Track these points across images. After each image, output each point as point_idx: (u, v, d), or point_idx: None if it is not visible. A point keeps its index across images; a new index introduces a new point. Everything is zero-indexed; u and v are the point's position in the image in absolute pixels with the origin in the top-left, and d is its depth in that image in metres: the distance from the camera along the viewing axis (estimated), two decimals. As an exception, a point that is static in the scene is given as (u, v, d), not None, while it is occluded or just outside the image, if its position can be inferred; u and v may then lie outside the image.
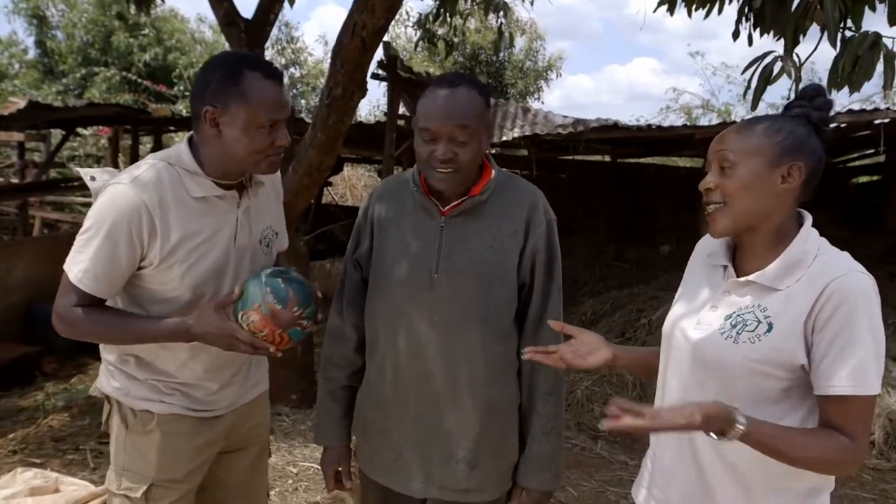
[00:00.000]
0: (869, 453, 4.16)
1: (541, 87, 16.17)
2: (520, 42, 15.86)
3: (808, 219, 1.22)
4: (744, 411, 1.14)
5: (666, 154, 7.97)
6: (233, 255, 1.51)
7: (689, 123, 10.97)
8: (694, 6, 2.71)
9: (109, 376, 1.55)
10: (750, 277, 1.21)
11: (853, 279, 1.12)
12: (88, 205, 9.44)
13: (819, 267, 1.15)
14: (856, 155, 7.27)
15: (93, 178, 1.49)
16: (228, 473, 1.71)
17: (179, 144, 1.49)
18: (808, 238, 1.19)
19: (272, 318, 1.37)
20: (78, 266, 1.38)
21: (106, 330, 1.43)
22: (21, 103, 4.70)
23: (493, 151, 9.17)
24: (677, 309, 1.34)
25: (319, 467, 3.32)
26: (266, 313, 1.37)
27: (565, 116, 4.86)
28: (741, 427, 1.07)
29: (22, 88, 12.67)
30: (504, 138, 4.69)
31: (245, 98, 1.36)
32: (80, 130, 8.67)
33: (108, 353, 1.56)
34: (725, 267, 1.27)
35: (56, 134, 8.16)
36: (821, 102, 1.22)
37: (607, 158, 8.10)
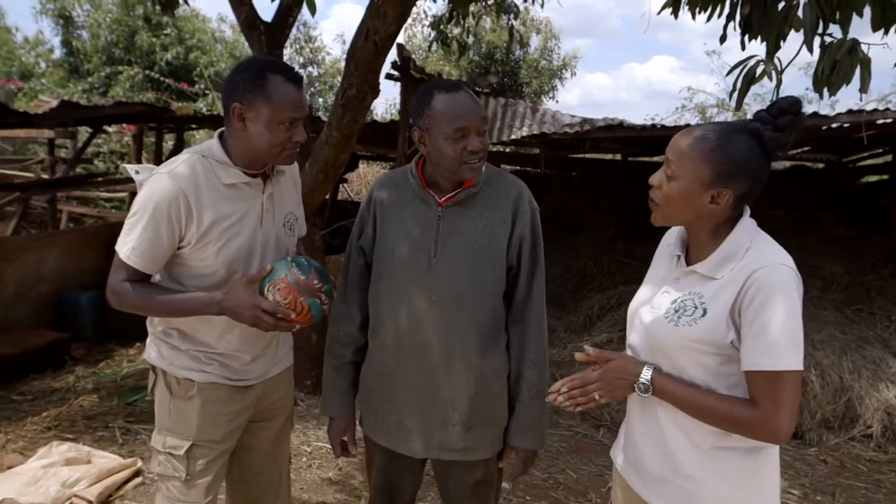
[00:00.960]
0: (867, 446, 4.27)
1: (555, 86, 16.27)
2: (535, 41, 15.96)
3: (746, 212, 1.37)
4: (697, 383, 1.33)
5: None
6: (260, 234, 1.69)
7: (701, 122, 10.98)
8: (697, 9, 2.85)
9: (156, 348, 1.74)
10: (693, 267, 1.37)
11: (772, 271, 1.26)
12: (111, 200, 9.76)
13: (748, 259, 1.30)
14: (865, 154, 7.32)
15: (137, 172, 1.69)
16: (257, 441, 1.89)
17: (211, 140, 1.68)
18: (742, 233, 1.34)
19: (296, 287, 1.55)
20: (126, 245, 1.58)
21: (149, 303, 1.61)
22: (53, 102, 4.94)
23: (508, 150, 9.32)
24: (640, 293, 1.52)
25: (330, 447, 3.51)
26: (291, 282, 1.55)
27: (573, 116, 5.00)
28: (645, 380, 1.35)
29: (49, 87, 13.04)
30: (513, 136, 4.84)
31: (269, 98, 1.55)
32: (104, 128, 8.95)
33: (154, 327, 1.75)
34: (679, 256, 1.43)
35: (82, 131, 8.47)
36: (783, 122, 1.30)
37: (618, 157, 8.22)
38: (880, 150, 6.97)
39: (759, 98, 15.46)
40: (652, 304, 1.44)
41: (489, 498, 1.81)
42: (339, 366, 1.80)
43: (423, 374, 1.66)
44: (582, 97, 40.19)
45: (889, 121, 4.68)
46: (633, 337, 1.48)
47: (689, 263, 1.41)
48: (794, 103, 1.31)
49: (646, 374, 1.36)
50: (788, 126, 1.30)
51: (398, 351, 1.67)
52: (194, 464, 1.70)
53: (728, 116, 13.21)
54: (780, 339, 1.23)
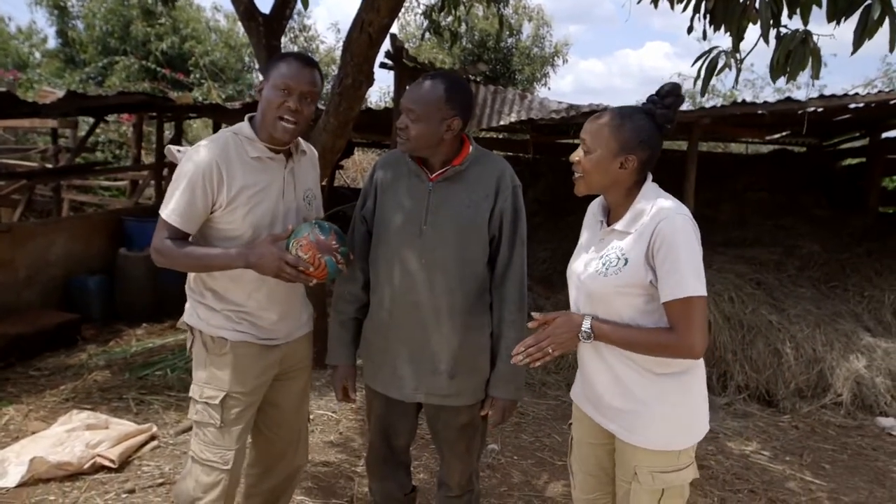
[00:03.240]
0: (837, 413, 4.54)
1: (547, 73, 16.40)
2: (527, 28, 16.08)
3: (649, 177, 1.67)
4: (629, 322, 1.62)
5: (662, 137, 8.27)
6: (282, 204, 1.93)
7: (693, 108, 11.15)
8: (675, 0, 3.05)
9: (193, 311, 1.97)
10: (613, 227, 1.67)
11: (672, 220, 1.56)
12: (109, 188, 9.92)
13: (653, 213, 1.60)
14: (845, 138, 7.55)
15: (179, 151, 1.94)
16: (282, 398, 2.12)
17: (242, 122, 1.94)
18: (647, 193, 1.64)
19: (316, 245, 1.77)
20: (168, 207, 1.83)
21: (187, 258, 1.84)
22: (59, 92, 5.13)
23: (500, 136, 9.51)
24: (574, 257, 1.80)
25: (332, 414, 3.77)
26: (312, 240, 1.78)
27: (560, 102, 5.21)
28: (587, 328, 1.59)
29: (46, 77, 13.13)
30: (502, 122, 5.05)
31: (274, 68, 1.86)
32: (104, 117, 9.11)
33: (192, 289, 1.98)
34: (602, 221, 1.72)
35: (81, 120, 8.63)
36: (669, 102, 1.64)
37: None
38: (857, 134, 7.20)
39: (750, 84, 15.71)
40: (585, 263, 1.72)
41: (474, 440, 2.05)
42: (344, 321, 2.04)
43: (415, 327, 1.90)
44: (575, 84, 40.37)
45: (861, 105, 4.89)
46: (573, 292, 1.76)
47: (608, 226, 1.70)
48: (676, 87, 1.64)
49: (586, 324, 1.62)
50: (673, 105, 1.64)
51: (393, 307, 1.91)
52: (228, 412, 1.93)
53: (718, 102, 13.40)
54: (685, 272, 1.52)
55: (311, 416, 3.74)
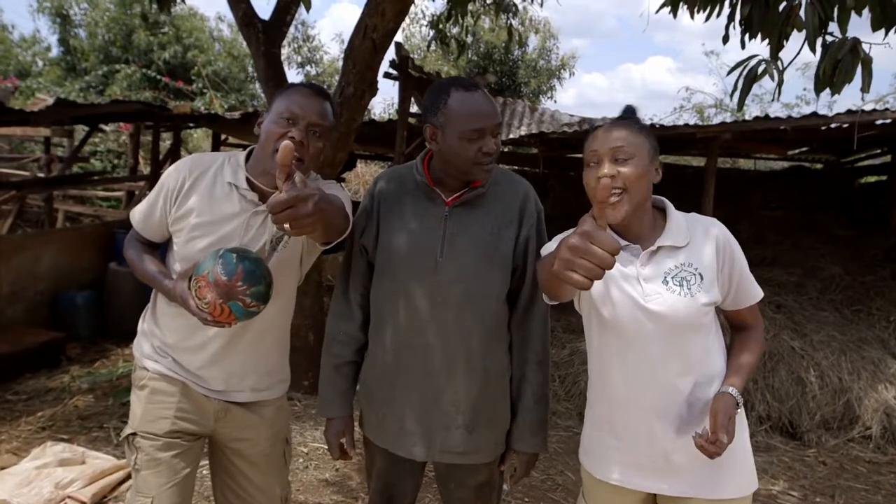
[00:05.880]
0: (866, 447, 4.27)
1: (553, 86, 16.23)
2: (533, 41, 15.94)
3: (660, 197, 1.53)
4: (694, 343, 1.45)
5: (675, 153, 8.05)
6: (235, 244, 1.60)
7: (701, 123, 10.96)
8: (696, 8, 2.82)
9: (138, 338, 1.77)
10: (660, 245, 1.44)
11: (721, 226, 1.49)
12: (108, 199, 9.69)
13: (693, 221, 1.49)
14: (863, 155, 7.31)
15: None
16: (232, 468, 1.79)
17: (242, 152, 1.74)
18: (659, 202, 1.52)
19: (215, 287, 1.44)
20: (136, 207, 1.74)
21: (132, 256, 1.72)
22: (49, 100, 4.91)
23: (506, 149, 9.30)
24: (619, 303, 1.46)
25: (327, 448, 3.49)
26: (211, 281, 1.44)
27: (571, 115, 4.99)
28: (739, 397, 1.42)
29: (46, 85, 12.97)
30: (512, 136, 4.82)
31: (279, 98, 1.62)
32: (101, 126, 8.91)
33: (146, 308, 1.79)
34: (625, 246, 1.45)
35: (79, 129, 8.43)
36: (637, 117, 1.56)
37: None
38: (878, 151, 6.96)
39: (758, 99, 15.41)
40: (644, 293, 1.43)
41: (490, 500, 1.78)
42: (339, 365, 1.74)
43: (426, 375, 1.63)
44: (578, 97, 40.30)
45: (888, 121, 4.66)
46: (631, 331, 1.44)
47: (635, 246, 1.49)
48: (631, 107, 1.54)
49: (738, 396, 1.42)
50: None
51: (401, 351, 1.64)
52: (139, 454, 1.67)
53: (727, 117, 13.19)
54: (751, 276, 1.50)
55: (305, 451, 3.48)
